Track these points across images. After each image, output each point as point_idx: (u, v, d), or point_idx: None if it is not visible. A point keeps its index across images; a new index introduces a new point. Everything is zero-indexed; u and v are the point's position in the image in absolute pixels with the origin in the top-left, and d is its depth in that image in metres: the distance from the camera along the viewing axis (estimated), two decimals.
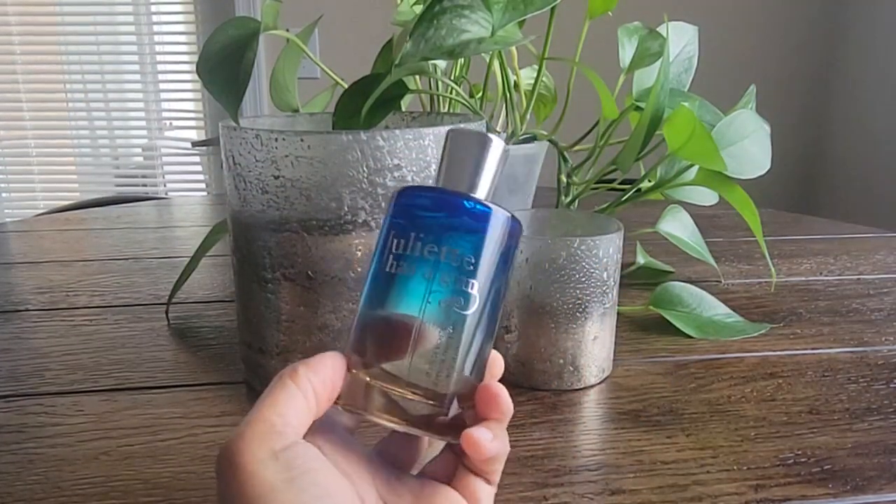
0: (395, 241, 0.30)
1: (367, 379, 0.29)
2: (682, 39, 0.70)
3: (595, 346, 0.54)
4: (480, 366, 0.31)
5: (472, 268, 0.30)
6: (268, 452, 0.26)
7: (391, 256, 0.30)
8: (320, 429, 0.29)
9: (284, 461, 0.26)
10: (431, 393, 0.29)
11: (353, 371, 0.30)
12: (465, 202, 0.30)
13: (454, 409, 0.30)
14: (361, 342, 0.30)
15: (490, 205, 0.31)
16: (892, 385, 0.55)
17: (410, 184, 0.46)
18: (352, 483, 0.28)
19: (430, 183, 0.41)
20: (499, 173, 0.32)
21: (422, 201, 0.31)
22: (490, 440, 0.29)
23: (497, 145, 0.32)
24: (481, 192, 0.32)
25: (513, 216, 0.31)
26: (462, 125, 0.33)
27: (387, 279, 0.30)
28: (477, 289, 0.30)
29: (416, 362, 0.29)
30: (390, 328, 0.29)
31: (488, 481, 0.31)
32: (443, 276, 0.29)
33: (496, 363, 0.32)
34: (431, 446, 0.34)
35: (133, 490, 0.42)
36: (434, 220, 0.30)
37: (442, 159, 0.33)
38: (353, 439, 0.31)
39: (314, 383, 0.28)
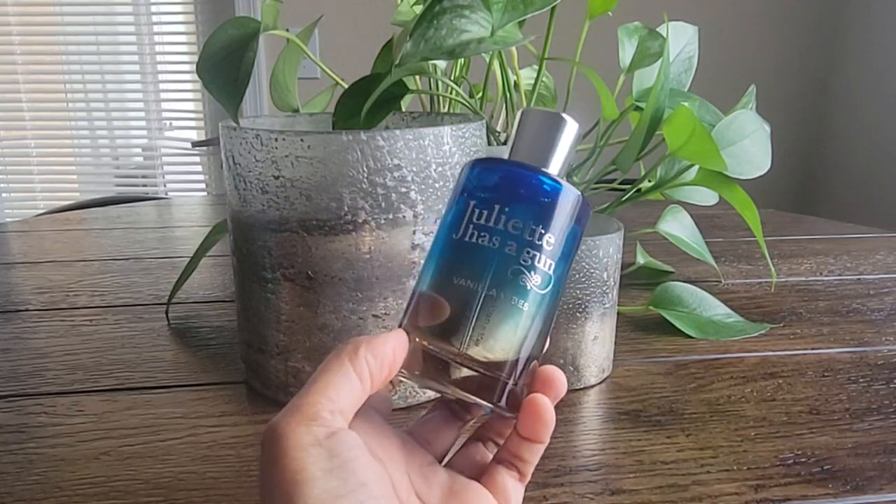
0: (478, 211, 0.30)
1: (427, 345, 0.29)
2: (682, 39, 0.70)
3: (595, 346, 0.54)
4: (542, 343, 0.31)
5: (552, 248, 0.30)
6: (312, 439, 0.26)
7: (472, 226, 0.30)
8: (359, 413, 0.29)
9: (328, 449, 0.26)
10: (494, 365, 0.29)
11: (413, 337, 0.30)
12: (550, 181, 0.30)
13: (513, 383, 0.30)
14: (425, 308, 0.30)
15: (575, 189, 0.31)
16: (892, 385, 0.55)
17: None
18: (386, 471, 0.28)
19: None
20: (571, 154, 0.32)
21: (502, 175, 0.31)
22: (551, 408, 0.30)
23: (572, 126, 0.32)
24: (555, 171, 0.32)
25: (587, 201, 0.31)
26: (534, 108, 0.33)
27: (464, 248, 0.30)
28: (554, 268, 0.30)
29: (484, 334, 0.29)
30: (461, 297, 0.29)
31: (521, 475, 0.31)
32: (525, 252, 0.29)
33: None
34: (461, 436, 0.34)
35: (133, 490, 0.42)
36: (521, 197, 0.30)
37: (518, 136, 0.32)
38: (388, 425, 0.31)
39: (372, 367, 0.28)
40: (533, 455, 0.31)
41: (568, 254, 0.31)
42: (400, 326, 0.31)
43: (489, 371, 0.29)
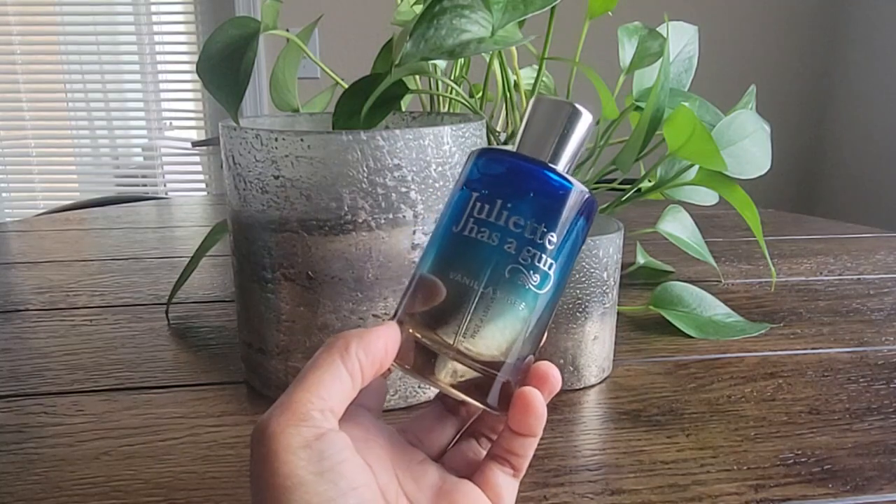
0: (479, 204, 0.29)
1: (420, 337, 0.29)
2: (682, 39, 0.70)
3: (595, 346, 0.54)
4: (537, 341, 0.30)
5: (553, 247, 0.29)
6: (302, 441, 0.25)
7: (472, 220, 0.29)
8: (346, 413, 0.28)
9: (317, 451, 0.25)
10: (486, 362, 0.28)
11: (407, 329, 0.29)
12: (557, 177, 0.29)
13: (504, 381, 0.29)
14: (421, 301, 0.29)
15: (582, 186, 0.30)
16: (892, 385, 0.55)
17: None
18: (373, 473, 0.28)
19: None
20: (582, 146, 0.31)
21: (508, 167, 0.30)
22: (542, 401, 0.29)
23: (586, 118, 0.31)
24: (563, 165, 0.31)
25: (593, 199, 0.30)
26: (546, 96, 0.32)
27: (463, 242, 0.29)
28: (554, 269, 0.29)
29: (478, 330, 0.28)
30: (457, 292, 0.29)
31: (515, 469, 0.31)
32: (525, 251, 0.29)
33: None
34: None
35: (134, 490, 0.42)
36: (525, 193, 0.29)
37: (527, 126, 0.31)
38: (378, 423, 0.31)
39: (363, 364, 0.28)
40: (526, 449, 0.30)
41: (571, 253, 0.30)
42: (395, 316, 0.30)
43: (481, 368, 0.28)
